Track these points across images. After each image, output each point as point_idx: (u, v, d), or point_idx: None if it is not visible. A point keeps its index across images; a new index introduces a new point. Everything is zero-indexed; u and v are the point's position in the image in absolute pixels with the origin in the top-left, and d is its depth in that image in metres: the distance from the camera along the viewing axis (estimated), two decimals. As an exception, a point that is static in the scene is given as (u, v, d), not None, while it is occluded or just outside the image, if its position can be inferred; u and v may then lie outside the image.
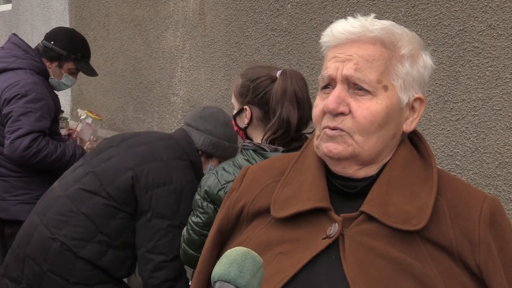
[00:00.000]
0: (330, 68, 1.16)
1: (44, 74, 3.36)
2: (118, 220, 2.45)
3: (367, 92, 1.14)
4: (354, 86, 1.15)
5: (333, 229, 1.14)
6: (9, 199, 3.28)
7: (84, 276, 2.47)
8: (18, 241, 2.59)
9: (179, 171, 2.48)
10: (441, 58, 2.19)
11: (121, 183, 2.43)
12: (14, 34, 3.39)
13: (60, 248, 2.44)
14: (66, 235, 2.45)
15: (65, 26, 3.51)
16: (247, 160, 1.98)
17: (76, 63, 3.35)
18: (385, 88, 1.15)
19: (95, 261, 2.46)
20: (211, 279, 0.95)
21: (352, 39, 1.16)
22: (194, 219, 2.10)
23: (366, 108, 1.13)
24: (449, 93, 2.18)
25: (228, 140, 2.62)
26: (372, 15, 1.20)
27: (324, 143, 1.16)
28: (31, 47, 3.33)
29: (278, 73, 2.04)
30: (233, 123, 2.14)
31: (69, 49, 3.34)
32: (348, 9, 2.48)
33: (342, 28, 1.16)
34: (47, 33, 3.41)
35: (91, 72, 3.46)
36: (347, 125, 1.14)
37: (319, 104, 1.18)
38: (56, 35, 3.39)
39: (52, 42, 3.33)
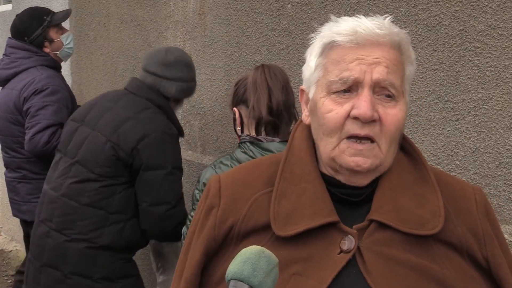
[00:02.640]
0: (355, 70, 1.09)
1: (54, 66, 3.39)
2: (119, 194, 2.46)
3: (392, 98, 1.10)
4: (379, 92, 1.10)
5: (349, 242, 1.09)
6: (33, 201, 3.30)
7: (108, 270, 2.47)
8: (33, 253, 2.59)
9: (150, 121, 2.50)
10: (441, 58, 2.19)
11: (105, 158, 2.45)
12: (10, 38, 3.42)
13: (78, 247, 2.44)
14: (80, 232, 2.46)
15: (14, 19, 3.48)
16: (245, 153, 2.00)
17: (53, 24, 3.39)
18: (403, 94, 1.13)
19: (117, 242, 2.47)
20: (225, 277, 0.93)
21: (377, 41, 1.10)
22: (193, 213, 2.10)
23: (394, 115, 1.10)
24: (449, 93, 2.18)
25: (194, 79, 2.66)
26: (389, 17, 1.15)
27: (351, 158, 1.10)
28: (29, 44, 3.35)
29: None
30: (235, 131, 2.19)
31: (37, 25, 3.36)
32: (348, 9, 2.48)
33: (368, 29, 1.10)
34: (14, 40, 3.39)
35: (66, 15, 3.47)
36: (376, 133, 1.09)
37: (337, 109, 1.10)
38: (18, 30, 3.40)
39: (25, 38, 3.36)
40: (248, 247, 0.97)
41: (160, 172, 2.44)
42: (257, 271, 0.92)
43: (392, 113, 1.10)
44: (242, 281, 0.91)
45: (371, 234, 1.10)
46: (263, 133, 2.02)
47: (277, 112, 2.01)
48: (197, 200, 2.08)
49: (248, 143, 2.00)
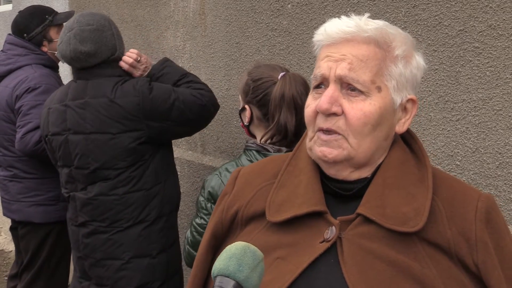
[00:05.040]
0: (323, 67, 1.15)
1: (50, 65, 3.36)
2: (149, 169, 2.50)
3: (360, 92, 1.13)
4: (347, 87, 1.13)
5: (331, 232, 1.13)
6: (23, 200, 3.28)
7: (162, 242, 2.55)
8: (81, 253, 2.60)
9: (128, 89, 2.45)
10: (441, 58, 2.19)
11: (127, 151, 2.46)
12: (9, 34, 3.39)
13: (136, 231, 2.50)
14: (131, 218, 2.51)
15: (16, 16, 3.45)
16: (250, 161, 1.99)
17: (54, 24, 3.35)
18: (379, 89, 1.14)
19: (164, 208, 2.54)
20: (211, 274, 0.95)
21: (346, 38, 1.14)
22: (198, 220, 2.09)
23: (359, 109, 1.12)
24: (450, 93, 2.18)
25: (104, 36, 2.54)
26: (366, 14, 1.19)
27: (318, 147, 1.15)
28: (28, 42, 3.32)
29: (280, 76, 2.03)
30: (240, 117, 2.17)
31: (37, 23, 3.32)
32: (348, 9, 2.48)
33: (336, 27, 1.15)
34: (13, 38, 3.37)
35: (68, 16, 3.43)
36: (341, 127, 1.13)
37: (311, 104, 1.17)
38: (18, 27, 3.36)
39: (24, 35, 3.32)
40: (233, 243, 0.98)
41: (176, 105, 2.45)
42: (243, 266, 0.93)
43: (357, 107, 1.12)
44: (228, 276, 0.92)
45: (355, 227, 1.14)
46: (269, 140, 2.00)
47: (301, 130, 2.00)
48: (202, 208, 2.07)
49: (254, 152, 1.99)
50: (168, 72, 2.65)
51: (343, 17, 1.18)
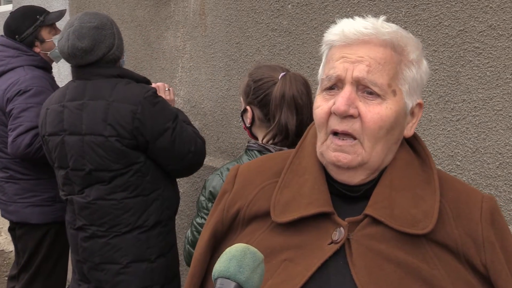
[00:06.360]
0: (339, 68, 1.13)
1: (43, 66, 3.34)
2: (148, 176, 2.49)
3: (377, 96, 1.12)
4: (363, 89, 1.12)
5: (339, 234, 1.12)
6: (19, 201, 3.28)
7: (160, 247, 2.55)
8: (79, 256, 2.61)
9: (126, 95, 2.44)
10: (441, 58, 2.19)
11: (117, 154, 2.45)
12: (1, 35, 3.37)
13: (133, 235, 2.50)
14: (129, 223, 2.50)
15: (7, 18, 3.40)
16: None
17: (46, 24, 3.33)
18: (394, 92, 1.13)
19: (163, 214, 2.54)
20: (212, 276, 0.95)
21: (363, 40, 1.13)
22: (198, 220, 2.09)
23: (376, 113, 1.11)
24: (450, 93, 2.19)
25: (108, 35, 2.55)
26: (382, 17, 1.18)
27: (332, 152, 1.14)
28: (20, 43, 3.31)
29: (280, 76, 2.03)
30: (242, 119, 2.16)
31: (29, 24, 3.30)
32: (348, 9, 2.48)
33: (354, 28, 1.13)
34: (5, 39, 3.34)
35: (60, 15, 3.38)
36: (357, 130, 1.12)
37: (323, 105, 1.15)
38: (10, 28, 3.33)
39: (16, 37, 3.30)
40: (233, 245, 0.98)
41: (167, 134, 2.44)
42: (243, 268, 0.93)
43: (374, 111, 1.11)
44: (228, 278, 0.92)
45: (364, 228, 1.13)
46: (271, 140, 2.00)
47: (302, 130, 1.99)
48: (203, 207, 2.06)
49: (256, 151, 1.98)
50: (182, 113, 2.67)
51: (357, 18, 1.17)
